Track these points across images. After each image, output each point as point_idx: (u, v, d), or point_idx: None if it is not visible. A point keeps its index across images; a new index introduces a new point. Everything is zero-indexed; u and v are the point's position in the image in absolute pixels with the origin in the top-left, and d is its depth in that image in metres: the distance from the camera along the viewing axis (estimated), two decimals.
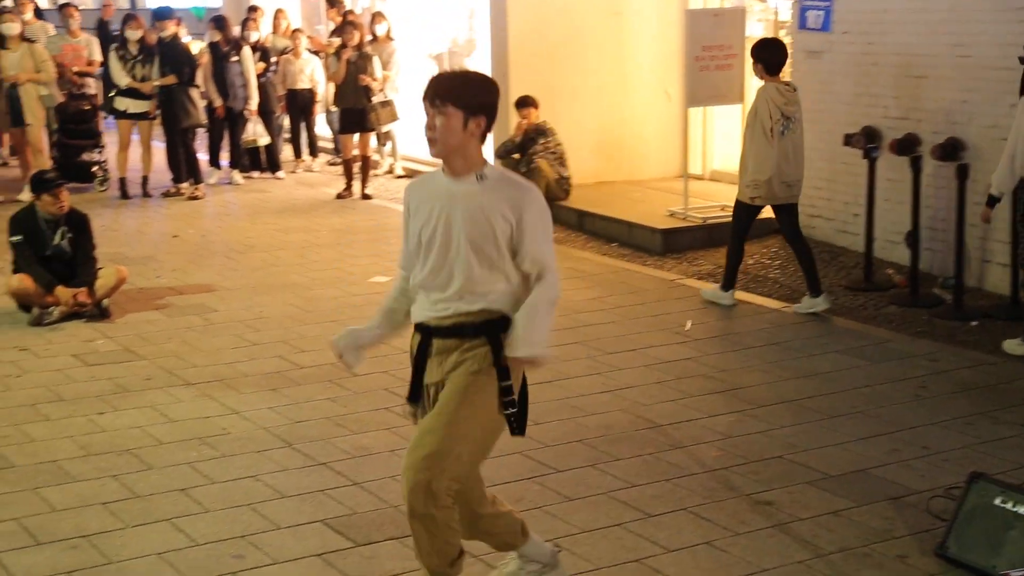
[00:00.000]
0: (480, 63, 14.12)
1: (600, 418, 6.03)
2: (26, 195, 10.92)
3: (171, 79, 12.10)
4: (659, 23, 12.03)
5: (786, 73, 8.69)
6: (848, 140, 9.06)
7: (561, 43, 11.73)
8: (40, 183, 8.09)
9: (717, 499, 5.05)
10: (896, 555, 4.53)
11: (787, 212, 8.07)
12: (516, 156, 11.36)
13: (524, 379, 4.00)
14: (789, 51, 8.57)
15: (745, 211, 8.11)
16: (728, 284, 8.21)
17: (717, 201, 10.77)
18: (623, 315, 7.97)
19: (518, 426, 3.96)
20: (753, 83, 11.58)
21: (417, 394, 3.94)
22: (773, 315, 8.00)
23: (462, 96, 3.72)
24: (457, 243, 3.75)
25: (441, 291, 3.80)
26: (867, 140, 8.87)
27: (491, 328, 3.81)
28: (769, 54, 7.96)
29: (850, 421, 5.96)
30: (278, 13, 14.71)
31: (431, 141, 3.77)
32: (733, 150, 11.27)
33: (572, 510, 4.93)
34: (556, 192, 11.23)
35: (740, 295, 8.39)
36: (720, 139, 12.15)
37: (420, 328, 3.90)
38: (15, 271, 7.92)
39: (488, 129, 3.81)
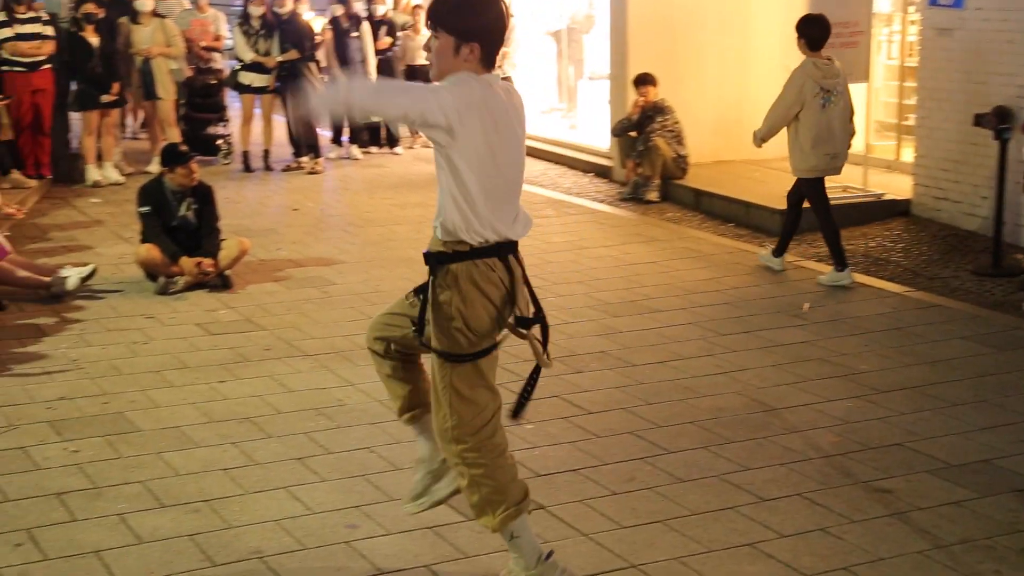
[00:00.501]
0: (599, 39, 14.08)
1: (713, 400, 5.98)
2: (154, 167, 11.23)
3: (293, 54, 12.30)
4: None
5: (912, 50, 8.47)
6: (978, 120, 8.78)
7: (682, 19, 11.58)
8: (174, 156, 8.26)
9: (833, 485, 4.96)
10: (1020, 548, 4.40)
11: (821, 183, 8.32)
12: (633, 134, 11.29)
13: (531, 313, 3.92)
14: (917, 28, 8.41)
15: (807, 186, 8.27)
16: (839, 263, 8.11)
17: (838, 182, 10.53)
18: (738, 296, 7.87)
19: (424, 344, 3.86)
20: (880, 60, 11.36)
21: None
22: (895, 299, 7.81)
23: (450, 20, 3.64)
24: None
25: None
26: (999, 120, 8.59)
27: (432, 259, 3.81)
28: (815, 30, 8.19)
29: (974, 410, 5.80)
30: None
31: (429, 64, 3.76)
32: (856, 129, 11.03)
33: (683, 492, 4.90)
34: (673, 171, 11.15)
35: (860, 278, 8.23)
36: None
37: None
38: (143, 241, 8.14)
39: (488, 54, 3.68)
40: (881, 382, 6.20)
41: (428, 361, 3.97)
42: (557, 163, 13.31)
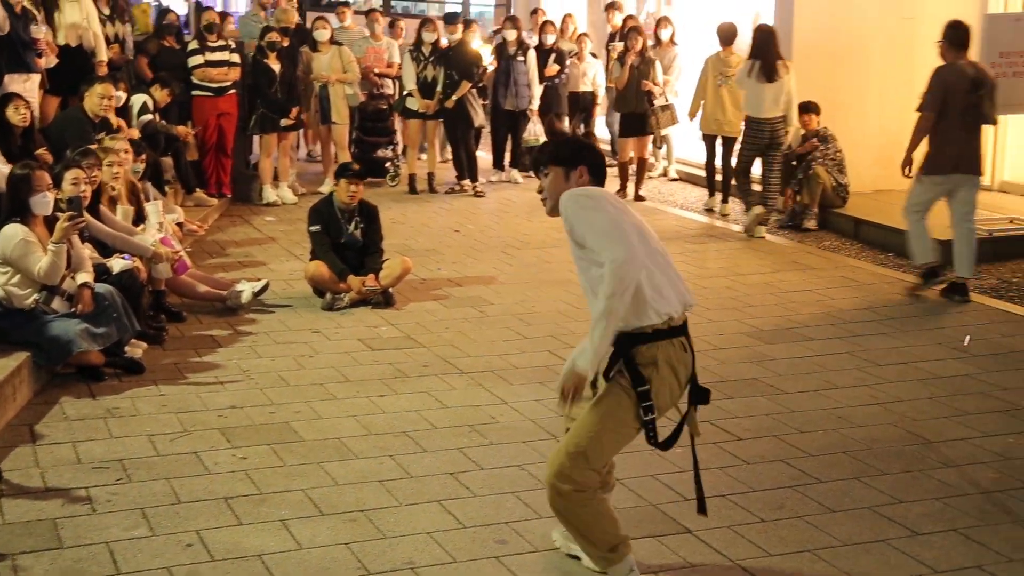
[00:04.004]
0: None
1: (867, 430, 5.91)
2: (326, 187, 11.63)
3: (465, 87, 12.52)
4: None
5: None
6: None
7: (847, 48, 11.44)
8: (344, 169, 8.58)
9: (991, 522, 4.87)
10: None
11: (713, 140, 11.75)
12: (794, 163, 11.20)
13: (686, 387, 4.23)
14: None
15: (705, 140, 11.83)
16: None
17: (1005, 213, 10.28)
18: (896, 327, 7.74)
19: (654, 437, 4.16)
20: None
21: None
22: None
23: (557, 155, 4.25)
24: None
25: None
26: None
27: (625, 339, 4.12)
28: (722, 33, 11.56)
29: None
30: (566, 18, 15.01)
31: (543, 201, 4.28)
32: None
33: (834, 522, 4.87)
34: (832, 199, 11.02)
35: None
36: (1012, 149, 11.54)
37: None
38: (312, 258, 8.46)
39: (595, 178, 4.26)
40: None
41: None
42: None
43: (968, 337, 7.44)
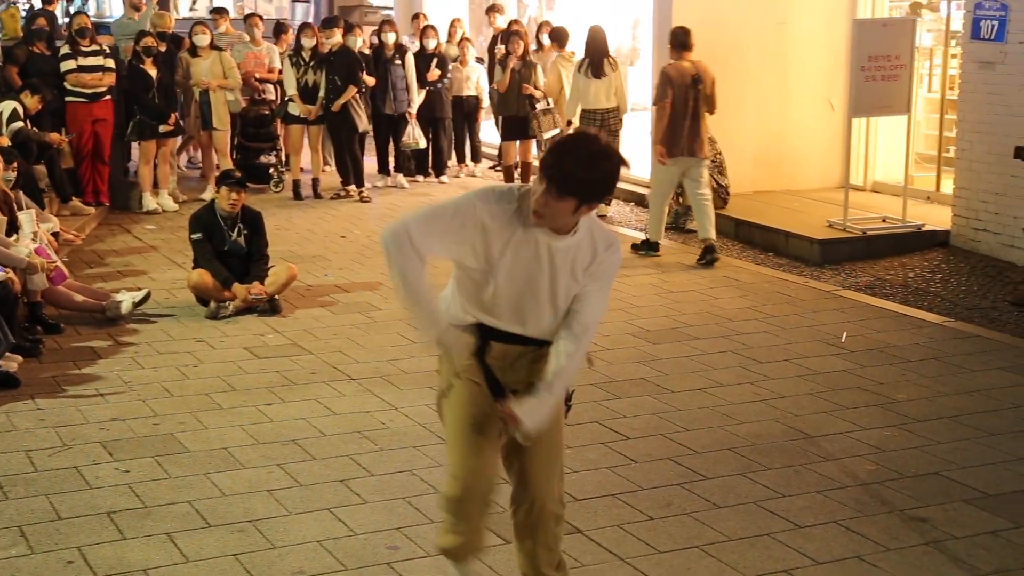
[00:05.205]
0: (643, 71, 14.19)
1: (751, 427, 6.04)
2: (208, 194, 11.45)
3: (351, 92, 12.40)
4: (825, 33, 11.88)
5: (953, 83, 8.51)
6: (1019, 152, 8.81)
7: (724, 52, 11.65)
8: (225, 176, 8.47)
9: (869, 513, 5.01)
10: None
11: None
12: None
13: None
14: (958, 61, 8.67)
15: None
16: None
17: (878, 213, 10.61)
18: (777, 325, 7.92)
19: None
20: (921, 93, 11.44)
21: (502, 391, 3.84)
22: (933, 329, 7.84)
23: (587, 193, 3.53)
24: (540, 290, 3.74)
25: (509, 323, 3.86)
26: None
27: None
28: (564, 36, 12.65)
29: (1012, 440, 5.82)
30: (454, 22, 15.01)
31: (537, 214, 3.60)
32: (896, 161, 11.12)
33: (720, 517, 4.97)
34: (713, 201, 11.20)
35: (899, 308, 8.36)
36: (883, 150, 11.94)
37: (481, 328, 3.97)
38: (195, 267, 8.32)
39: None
40: (918, 411, 6.24)
41: None
42: None
43: (845, 334, 7.66)
